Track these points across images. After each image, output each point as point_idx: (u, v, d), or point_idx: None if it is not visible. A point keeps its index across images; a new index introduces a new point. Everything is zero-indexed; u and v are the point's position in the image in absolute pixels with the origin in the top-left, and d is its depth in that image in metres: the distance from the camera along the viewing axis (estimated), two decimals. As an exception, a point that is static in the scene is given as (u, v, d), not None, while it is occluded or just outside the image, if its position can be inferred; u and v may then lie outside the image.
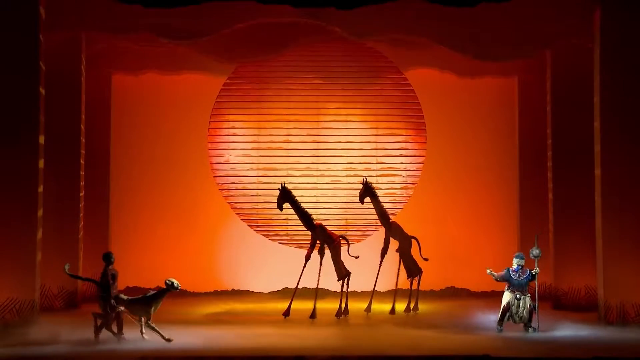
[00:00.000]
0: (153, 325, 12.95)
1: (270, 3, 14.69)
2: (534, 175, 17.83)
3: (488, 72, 18.02)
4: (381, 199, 16.16)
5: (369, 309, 15.81)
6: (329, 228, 15.86)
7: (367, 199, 15.90)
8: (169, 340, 12.80)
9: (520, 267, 13.89)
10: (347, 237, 15.90)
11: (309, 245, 15.72)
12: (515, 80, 18.28)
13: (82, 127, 16.69)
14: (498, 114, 18.49)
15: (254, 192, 18.18)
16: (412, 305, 15.97)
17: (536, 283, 13.94)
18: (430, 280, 17.93)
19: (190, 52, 16.95)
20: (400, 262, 16.13)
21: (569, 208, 16.53)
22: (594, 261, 15.09)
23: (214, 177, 18.34)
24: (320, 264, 15.46)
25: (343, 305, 15.46)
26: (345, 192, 18.09)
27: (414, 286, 16.12)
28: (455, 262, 18.08)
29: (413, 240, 16.05)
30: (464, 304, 16.96)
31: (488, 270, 14.00)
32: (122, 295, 13.13)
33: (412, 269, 16.08)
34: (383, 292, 16.97)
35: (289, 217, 17.06)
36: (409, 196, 18.41)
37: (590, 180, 15.26)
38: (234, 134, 18.38)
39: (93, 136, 17.47)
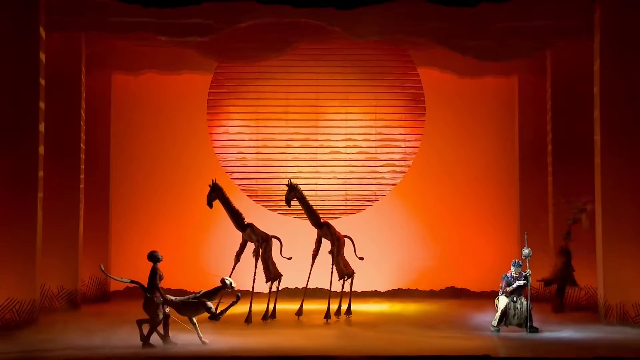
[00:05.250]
0: (195, 323, 12.71)
1: (270, 3, 14.70)
2: (534, 176, 17.83)
3: (488, 72, 18.02)
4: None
5: (299, 312, 14.98)
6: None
7: (295, 201, 14.96)
8: (204, 342, 12.54)
9: (517, 274, 13.83)
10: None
11: (239, 246, 15.22)
12: (515, 80, 18.28)
13: (82, 127, 16.69)
14: (498, 113, 18.49)
15: (253, 163, 18.24)
16: (344, 308, 15.20)
17: (529, 283, 13.80)
18: (430, 280, 17.98)
19: (189, 52, 16.95)
20: (333, 264, 15.21)
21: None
22: (594, 261, 15.09)
23: (213, 147, 18.38)
24: (255, 265, 15.04)
25: (271, 308, 14.88)
26: (345, 163, 18.25)
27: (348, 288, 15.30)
28: (455, 262, 18.08)
29: (347, 239, 15.34)
30: (464, 304, 16.96)
31: (496, 302, 13.88)
32: (169, 297, 12.73)
33: (343, 271, 15.22)
34: (383, 291, 16.95)
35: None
36: (408, 166, 18.45)
37: (590, 180, 15.25)
38: (234, 104, 18.45)
39: (93, 136, 17.48)
